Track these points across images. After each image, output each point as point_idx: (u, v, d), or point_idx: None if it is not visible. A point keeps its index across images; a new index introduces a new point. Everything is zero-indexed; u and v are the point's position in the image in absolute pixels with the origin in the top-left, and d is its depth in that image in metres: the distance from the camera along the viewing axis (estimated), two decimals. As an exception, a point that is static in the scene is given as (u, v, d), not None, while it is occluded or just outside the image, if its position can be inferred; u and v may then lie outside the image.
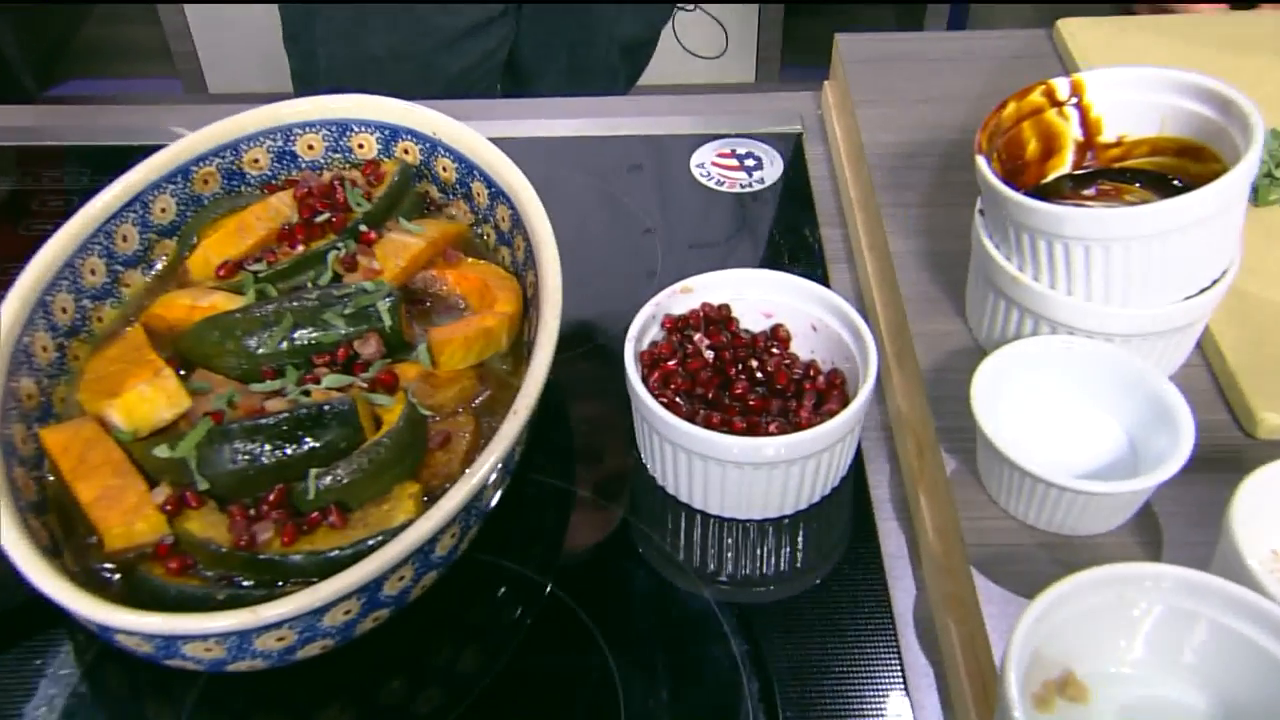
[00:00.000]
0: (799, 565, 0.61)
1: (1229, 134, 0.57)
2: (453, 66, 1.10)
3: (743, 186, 0.86)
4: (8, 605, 0.56)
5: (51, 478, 0.58)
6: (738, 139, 0.90)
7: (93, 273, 0.67)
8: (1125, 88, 0.62)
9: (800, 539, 0.62)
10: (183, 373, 0.63)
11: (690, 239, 0.82)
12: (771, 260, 0.80)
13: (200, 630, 0.49)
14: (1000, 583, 0.53)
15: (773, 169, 0.88)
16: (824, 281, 0.74)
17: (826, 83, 0.92)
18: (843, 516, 0.63)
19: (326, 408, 0.57)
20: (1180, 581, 0.44)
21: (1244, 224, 0.57)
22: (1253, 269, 0.60)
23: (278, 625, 0.49)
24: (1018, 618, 0.43)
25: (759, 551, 0.61)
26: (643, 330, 0.63)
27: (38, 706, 0.56)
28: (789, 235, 0.82)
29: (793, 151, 0.89)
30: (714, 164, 0.88)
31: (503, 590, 0.60)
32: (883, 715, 0.55)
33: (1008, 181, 0.58)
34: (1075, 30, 0.87)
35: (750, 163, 0.89)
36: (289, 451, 0.56)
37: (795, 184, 0.86)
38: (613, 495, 0.64)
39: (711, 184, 0.86)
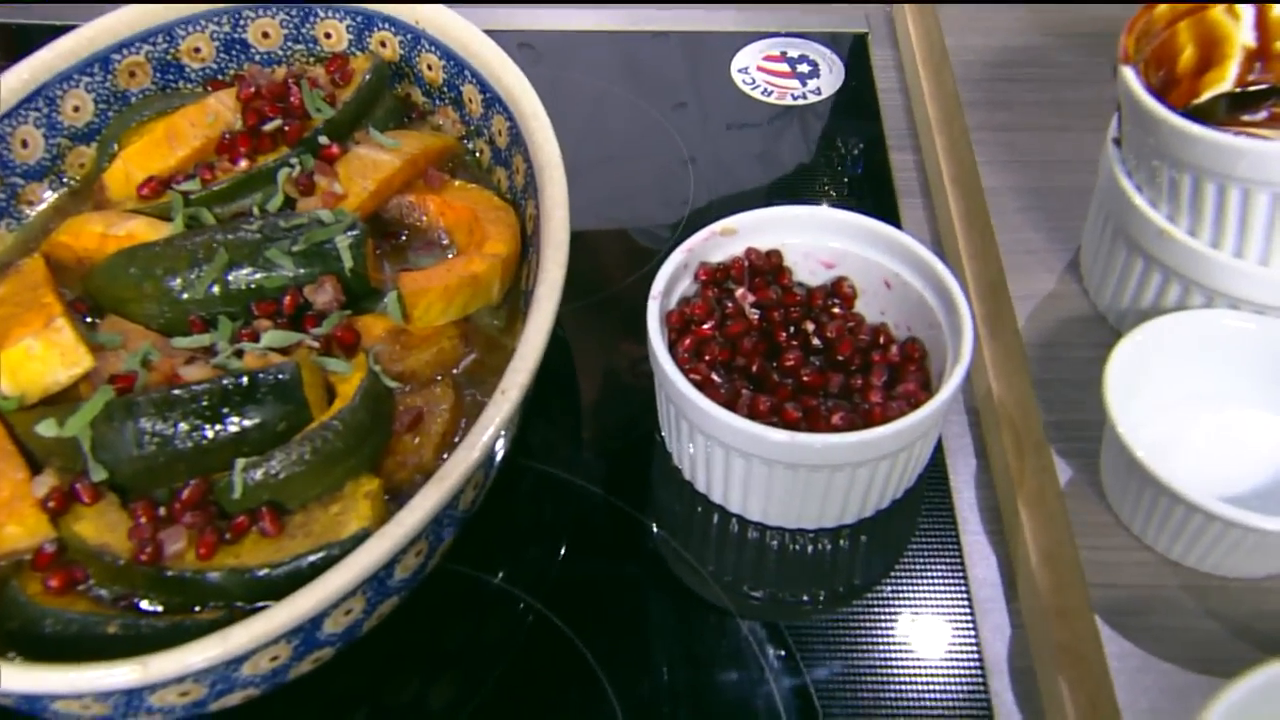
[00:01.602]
0: (858, 587, 0.52)
1: None
2: None
3: (794, 98, 0.78)
4: None
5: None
6: (789, 38, 0.82)
7: (-19, 187, 0.58)
8: (1321, -24, 0.52)
9: (862, 555, 0.53)
10: (93, 320, 0.55)
11: (730, 164, 0.74)
12: (831, 193, 0.71)
13: (66, 689, 0.38)
14: (1132, 638, 0.44)
15: (831, 77, 0.80)
16: (893, 221, 0.62)
17: (899, -29, 0.83)
18: (917, 528, 0.54)
19: (261, 377, 0.48)
20: None
21: None
22: None
23: (177, 680, 0.39)
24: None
25: (810, 569, 0.53)
26: (671, 283, 0.54)
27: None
28: (850, 162, 0.73)
29: (855, 55, 0.81)
30: (760, 69, 0.80)
31: (481, 611, 0.52)
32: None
33: (1163, 100, 0.47)
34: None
35: (804, 68, 0.80)
36: (210, 434, 0.47)
37: (858, 96, 0.78)
38: (627, 492, 0.57)
39: (756, 93, 0.78)
